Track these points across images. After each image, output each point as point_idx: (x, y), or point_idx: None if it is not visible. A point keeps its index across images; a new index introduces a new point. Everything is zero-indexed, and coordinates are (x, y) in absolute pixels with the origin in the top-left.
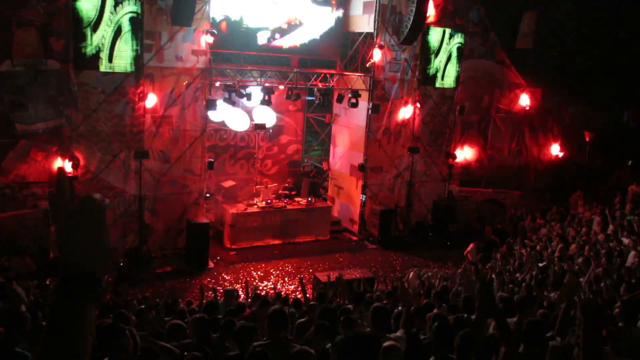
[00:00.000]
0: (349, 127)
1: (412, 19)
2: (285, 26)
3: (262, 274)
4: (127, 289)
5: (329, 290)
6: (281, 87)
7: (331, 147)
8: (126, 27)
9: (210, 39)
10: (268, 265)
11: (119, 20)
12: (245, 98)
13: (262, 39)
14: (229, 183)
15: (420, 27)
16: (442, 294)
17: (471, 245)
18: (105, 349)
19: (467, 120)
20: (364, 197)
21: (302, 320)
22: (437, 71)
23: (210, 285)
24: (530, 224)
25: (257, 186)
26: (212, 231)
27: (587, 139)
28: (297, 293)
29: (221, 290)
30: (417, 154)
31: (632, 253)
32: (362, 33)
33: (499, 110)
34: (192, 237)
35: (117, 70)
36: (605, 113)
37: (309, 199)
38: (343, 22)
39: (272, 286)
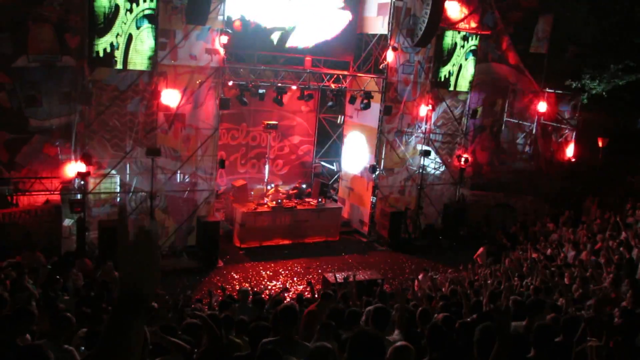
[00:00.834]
0: (361, 129)
1: (426, 21)
2: (299, 26)
3: (271, 274)
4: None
5: (339, 292)
6: (294, 87)
7: (342, 148)
8: (142, 24)
9: (225, 38)
10: (277, 265)
11: (135, 17)
12: (258, 97)
13: (276, 39)
14: (239, 182)
15: (434, 30)
16: (449, 297)
17: (481, 249)
18: None
19: (480, 123)
20: (374, 199)
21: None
22: (450, 74)
23: (219, 284)
24: (541, 229)
25: (268, 188)
26: (222, 230)
27: (600, 145)
28: (306, 293)
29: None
30: (429, 156)
31: None
32: (375, 35)
33: (512, 115)
34: (203, 236)
35: (132, 68)
36: (619, 119)
37: (320, 199)
38: (357, 24)
39: (281, 286)
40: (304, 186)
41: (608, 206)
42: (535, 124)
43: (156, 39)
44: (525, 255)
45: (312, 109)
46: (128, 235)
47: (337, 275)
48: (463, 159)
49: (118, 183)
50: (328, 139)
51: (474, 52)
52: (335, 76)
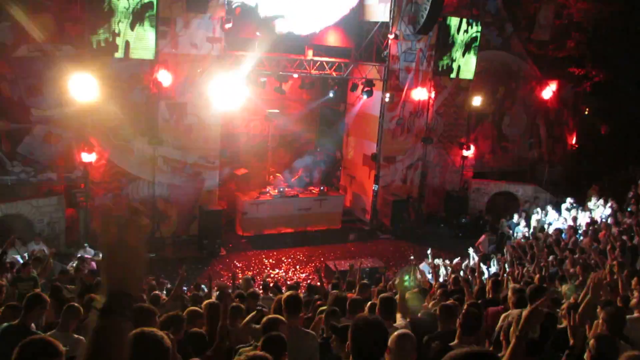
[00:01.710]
0: (363, 117)
1: (428, 8)
2: (300, 14)
3: (273, 262)
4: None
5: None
6: (295, 75)
7: (344, 137)
8: (144, 13)
9: (227, 25)
10: (280, 253)
11: (136, 5)
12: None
13: (276, 26)
14: (241, 171)
15: (436, 17)
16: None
17: (483, 237)
18: None
19: (482, 111)
20: (376, 187)
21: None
22: (453, 62)
23: (222, 272)
24: (543, 216)
25: (269, 175)
26: (224, 219)
27: (603, 132)
28: (309, 281)
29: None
30: (431, 145)
31: None
32: (377, 22)
33: (514, 102)
34: (205, 224)
35: (133, 57)
36: (623, 105)
37: (322, 187)
38: (358, 11)
39: (284, 274)
40: (305, 174)
41: (610, 193)
42: (537, 111)
43: (157, 27)
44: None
45: (314, 97)
46: (111, 234)
47: (341, 263)
48: (465, 148)
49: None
50: (330, 127)
51: (476, 39)
52: (336, 64)
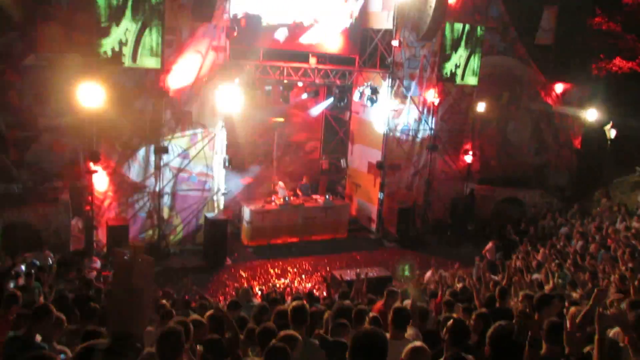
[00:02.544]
0: (367, 125)
1: (431, 15)
2: (304, 22)
3: (279, 272)
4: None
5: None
6: (300, 84)
7: (349, 145)
8: (151, 22)
9: (231, 34)
10: (285, 262)
11: (143, 14)
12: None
13: (280, 35)
14: (247, 180)
15: (439, 23)
16: (457, 294)
17: (490, 244)
18: None
19: (487, 117)
20: (382, 195)
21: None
22: (457, 68)
23: (227, 282)
24: (550, 222)
25: (274, 184)
26: (229, 228)
27: (608, 136)
28: (315, 291)
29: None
30: (436, 152)
31: None
32: (381, 30)
33: (519, 107)
34: (210, 234)
35: (141, 65)
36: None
37: (327, 196)
38: (362, 19)
39: (289, 283)
40: (308, 185)
41: (617, 197)
42: (542, 116)
43: (163, 36)
44: (535, 251)
45: (319, 105)
46: (120, 278)
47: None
48: (470, 154)
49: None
50: (335, 135)
51: (479, 44)
52: (341, 72)
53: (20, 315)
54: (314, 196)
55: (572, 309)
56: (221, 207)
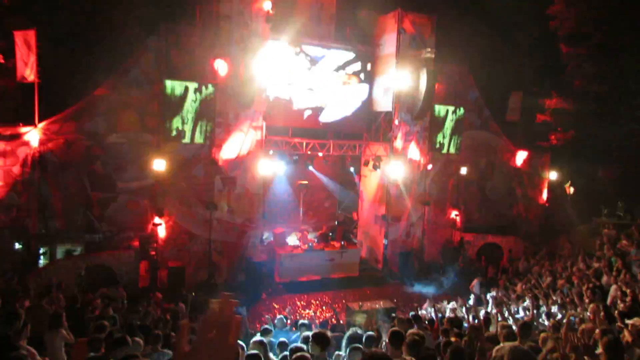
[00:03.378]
0: (374, 185)
1: (422, 100)
2: (324, 106)
3: (304, 304)
4: (198, 316)
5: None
6: (320, 154)
7: (359, 201)
8: (206, 108)
9: (266, 117)
10: (310, 296)
11: (199, 101)
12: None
13: (306, 115)
14: (279, 229)
15: (428, 107)
16: (454, 321)
17: (475, 281)
18: None
19: (469, 179)
20: (386, 241)
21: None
22: (444, 139)
23: (264, 314)
24: (524, 263)
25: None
26: (265, 268)
27: (568, 192)
28: (332, 319)
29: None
30: (428, 206)
31: (614, 287)
32: (383, 112)
33: (494, 170)
34: (250, 273)
35: (196, 142)
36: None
37: (342, 242)
38: (368, 103)
39: (313, 313)
40: (330, 234)
41: (579, 242)
42: (513, 177)
43: (214, 119)
44: (513, 286)
45: (335, 171)
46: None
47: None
48: (454, 212)
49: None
50: (348, 194)
51: (461, 121)
52: (352, 145)
53: (95, 339)
54: (332, 242)
55: (542, 335)
56: (259, 251)
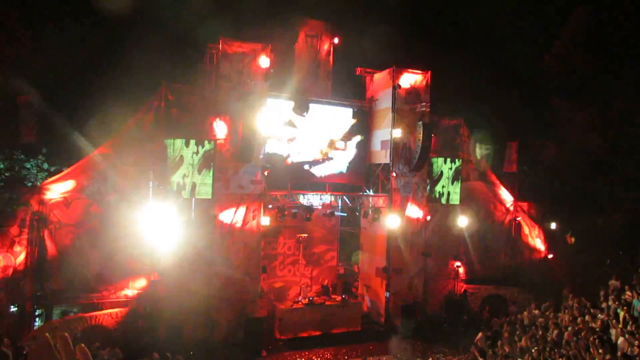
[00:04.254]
0: (374, 237)
1: (419, 152)
2: (320, 160)
3: None
4: None
5: None
6: (319, 207)
7: (360, 253)
8: (207, 164)
9: (265, 171)
10: (310, 353)
11: (200, 157)
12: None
13: (304, 169)
14: (279, 284)
15: (425, 159)
16: None
17: (480, 334)
18: None
19: (469, 229)
20: (387, 294)
21: None
22: (443, 189)
23: None
24: (528, 315)
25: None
26: (265, 324)
27: (569, 242)
28: None
29: None
30: (430, 257)
31: (621, 339)
32: (380, 164)
33: (494, 221)
34: (249, 329)
35: (198, 197)
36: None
37: (343, 296)
38: (366, 156)
39: None
40: (329, 285)
41: (583, 293)
42: (513, 227)
43: (214, 174)
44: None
45: (334, 223)
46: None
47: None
48: (456, 264)
49: None
50: (348, 246)
51: (459, 172)
52: (351, 197)
53: None
54: (333, 296)
55: None
56: (258, 307)
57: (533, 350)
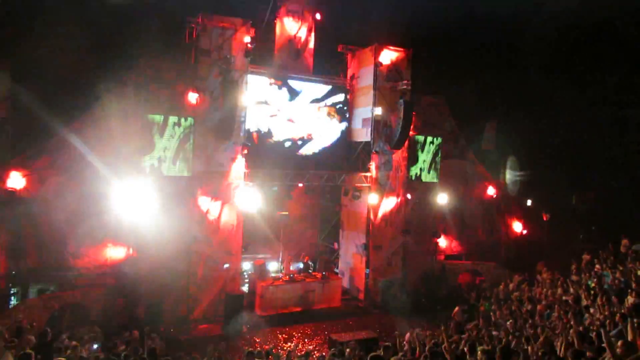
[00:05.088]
0: (354, 215)
1: (399, 130)
2: (304, 137)
3: (286, 337)
4: (176, 351)
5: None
6: (300, 184)
7: (340, 231)
8: (184, 140)
9: (245, 149)
10: (291, 329)
11: (179, 134)
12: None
13: (286, 147)
14: (259, 261)
15: (405, 137)
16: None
17: (457, 308)
18: None
19: (448, 206)
20: (367, 271)
21: None
22: (422, 169)
23: (244, 347)
24: (504, 289)
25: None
26: (245, 301)
27: (545, 219)
28: (315, 352)
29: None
30: (409, 235)
31: (592, 310)
32: (361, 142)
33: (472, 198)
34: (230, 306)
35: (178, 174)
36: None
37: (324, 273)
38: (347, 134)
39: (294, 346)
40: (310, 262)
41: (557, 268)
42: (491, 205)
43: (193, 150)
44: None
45: (315, 201)
46: None
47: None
48: (436, 235)
49: None
50: (329, 224)
51: (438, 150)
52: (332, 175)
53: None
54: (314, 273)
55: None
56: (238, 283)
57: (507, 323)
